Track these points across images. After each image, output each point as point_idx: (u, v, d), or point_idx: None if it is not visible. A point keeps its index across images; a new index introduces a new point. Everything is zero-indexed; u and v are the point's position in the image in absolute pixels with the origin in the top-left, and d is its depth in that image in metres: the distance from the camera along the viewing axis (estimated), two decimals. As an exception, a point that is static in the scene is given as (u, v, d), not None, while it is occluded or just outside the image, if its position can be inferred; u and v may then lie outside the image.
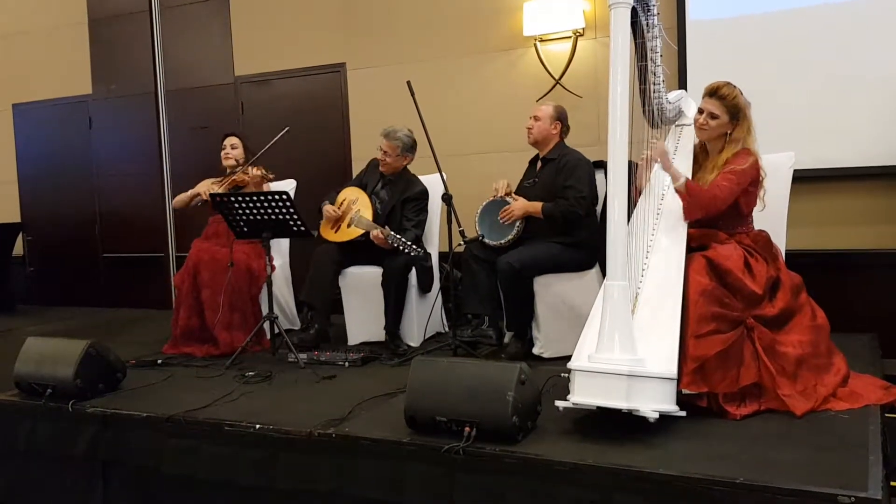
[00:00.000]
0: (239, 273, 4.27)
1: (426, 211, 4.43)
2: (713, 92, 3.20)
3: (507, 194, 4.00)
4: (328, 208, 4.40)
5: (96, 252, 6.76)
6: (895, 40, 4.16)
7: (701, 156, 3.37)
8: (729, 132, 3.21)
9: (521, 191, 4.07)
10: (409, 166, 4.49)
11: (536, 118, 3.99)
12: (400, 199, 4.37)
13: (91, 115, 6.70)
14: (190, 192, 4.70)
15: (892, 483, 2.51)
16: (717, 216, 3.14)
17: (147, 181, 6.38)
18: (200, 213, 4.69)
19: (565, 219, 3.83)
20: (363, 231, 4.20)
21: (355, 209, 4.34)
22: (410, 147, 4.40)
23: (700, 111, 3.25)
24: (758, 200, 3.23)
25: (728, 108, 3.17)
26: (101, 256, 6.74)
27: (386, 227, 4.14)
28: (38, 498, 3.48)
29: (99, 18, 6.59)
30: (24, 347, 3.59)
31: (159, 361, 4.10)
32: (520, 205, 3.91)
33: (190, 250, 4.49)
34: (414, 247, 4.00)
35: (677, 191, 3.12)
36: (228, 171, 4.68)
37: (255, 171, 4.47)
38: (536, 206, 3.87)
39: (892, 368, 3.52)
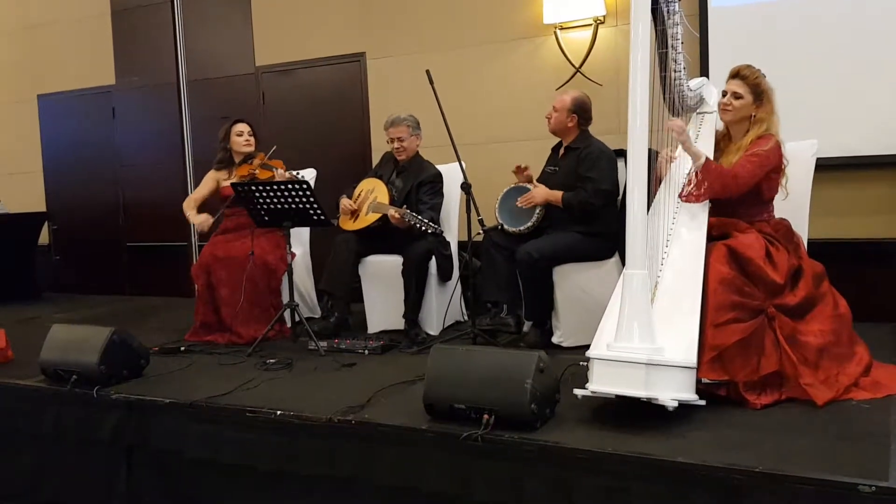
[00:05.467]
0: (257, 268, 4.28)
1: (441, 195, 4.44)
2: (737, 73, 3.22)
3: (528, 180, 3.99)
4: (344, 201, 4.42)
5: (120, 241, 6.84)
6: (922, 26, 4.11)
7: (723, 142, 3.35)
8: (753, 114, 3.20)
9: (543, 176, 4.06)
10: (425, 154, 4.51)
11: (555, 109, 3.99)
12: (414, 183, 4.39)
13: (114, 106, 6.76)
14: (189, 217, 4.63)
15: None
16: (738, 201, 3.11)
17: (169, 171, 6.44)
18: (218, 205, 4.70)
19: (582, 210, 3.83)
20: (381, 216, 4.21)
21: (372, 197, 4.36)
22: (417, 125, 4.45)
23: (724, 93, 3.24)
24: (780, 188, 3.21)
25: (751, 87, 3.17)
26: (125, 245, 6.82)
27: (404, 206, 4.14)
28: (63, 482, 3.54)
29: (122, 9, 6.65)
30: (49, 334, 3.66)
31: (182, 349, 4.15)
32: (541, 192, 3.90)
33: (205, 245, 4.53)
34: (431, 224, 4.00)
35: (696, 171, 3.10)
36: (239, 159, 4.64)
37: (281, 171, 4.44)
38: (557, 195, 3.86)
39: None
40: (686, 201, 3.15)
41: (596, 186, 3.81)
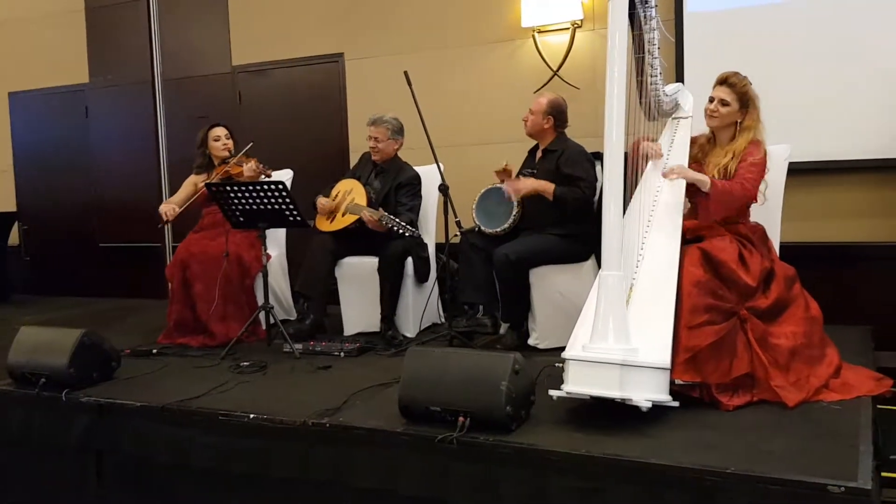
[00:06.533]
0: (231, 264, 4.26)
1: (420, 196, 4.43)
2: (724, 80, 3.24)
3: (509, 177, 3.98)
4: (322, 200, 4.40)
5: (92, 241, 6.73)
6: (893, 32, 4.16)
7: (708, 145, 3.38)
8: (740, 121, 3.24)
9: (520, 179, 4.06)
10: (403, 156, 4.50)
11: (531, 111, 4.00)
12: (393, 184, 4.37)
13: (87, 104, 6.66)
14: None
15: (882, 473, 2.53)
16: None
17: (143, 171, 6.35)
18: (199, 209, 4.66)
19: (576, 205, 3.81)
20: (357, 217, 4.19)
21: (349, 198, 4.34)
22: (399, 130, 4.42)
23: (711, 99, 3.27)
24: (759, 195, 3.23)
25: (739, 95, 3.21)
26: (97, 246, 6.72)
27: (380, 209, 4.13)
28: (32, 487, 3.48)
29: (96, 6, 6.56)
30: (17, 336, 3.59)
31: (154, 351, 4.09)
32: (529, 181, 3.89)
33: (180, 244, 4.48)
34: (408, 227, 3.99)
35: (707, 193, 3.09)
36: (218, 162, 4.59)
37: (251, 164, 4.39)
38: (548, 187, 3.83)
39: (884, 360, 3.54)
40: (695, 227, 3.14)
41: (589, 186, 3.82)
